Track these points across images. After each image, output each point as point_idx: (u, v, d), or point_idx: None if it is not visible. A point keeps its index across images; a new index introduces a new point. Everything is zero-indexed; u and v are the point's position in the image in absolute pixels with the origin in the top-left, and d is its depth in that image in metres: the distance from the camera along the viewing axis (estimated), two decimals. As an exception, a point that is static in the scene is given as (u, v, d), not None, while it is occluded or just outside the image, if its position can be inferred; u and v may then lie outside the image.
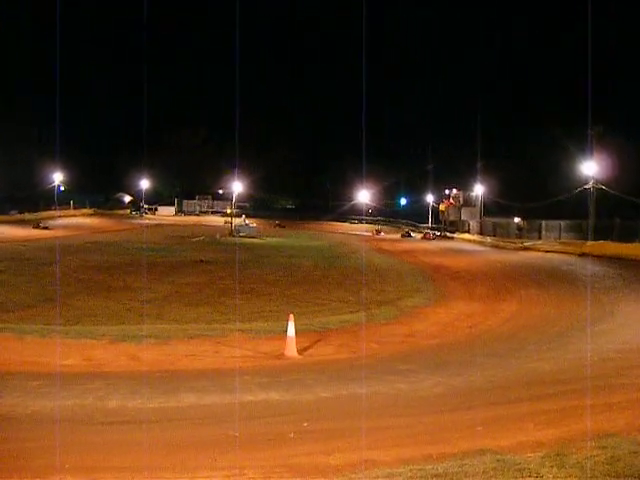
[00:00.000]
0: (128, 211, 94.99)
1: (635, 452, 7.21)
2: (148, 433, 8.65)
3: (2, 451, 7.53)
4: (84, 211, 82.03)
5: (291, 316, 14.96)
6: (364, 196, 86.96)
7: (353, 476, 6.66)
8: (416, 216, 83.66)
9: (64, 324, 17.42)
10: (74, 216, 74.71)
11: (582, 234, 47.20)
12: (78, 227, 63.09)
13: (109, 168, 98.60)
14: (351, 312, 20.67)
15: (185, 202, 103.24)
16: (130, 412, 9.88)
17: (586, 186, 47.46)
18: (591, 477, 6.48)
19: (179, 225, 72.82)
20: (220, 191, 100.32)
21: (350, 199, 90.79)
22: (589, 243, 42.32)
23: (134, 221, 78.28)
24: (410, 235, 71.53)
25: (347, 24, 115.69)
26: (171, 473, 7.00)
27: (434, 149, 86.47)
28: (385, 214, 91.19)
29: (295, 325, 14.98)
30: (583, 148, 48.24)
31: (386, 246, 53.13)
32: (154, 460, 7.45)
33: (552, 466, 6.84)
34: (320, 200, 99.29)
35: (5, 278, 26.61)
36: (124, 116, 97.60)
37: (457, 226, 71.93)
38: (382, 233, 73.53)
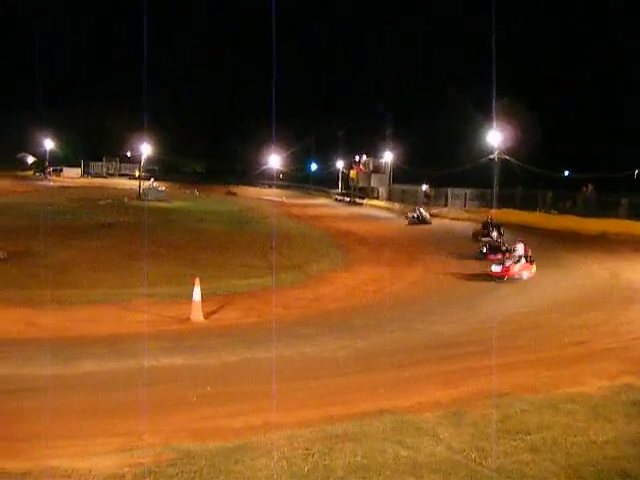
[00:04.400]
0: (32, 172, 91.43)
1: (525, 410, 7.53)
2: (42, 401, 8.42)
3: None
4: (-17, 171, 78.48)
5: (197, 280, 14.80)
6: (275, 161, 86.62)
7: (254, 439, 6.69)
8: (326, 182, 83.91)
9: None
10: (-28, 177, 71.42)
11: (487, 202, 48.44)
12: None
13: (11, 127, 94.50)
14: (258, 276, 20.61)
15: (91, 164, 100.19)
16: (23, 380, 9.58)
17: (491, 156, 48.65)
18: (484, 434, 6.72)
19: (85, 187, 70.68)
20: (128, 153, 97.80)
21: (261, 163, 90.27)
22: (493, 211, 43.52)
23: (38, 183, 75.50)
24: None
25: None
26: (67, 440, 6.84)
27: (345, 115, 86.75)
28: (295, 179, 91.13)
29: (202, 289, 14.85)
30: (490, 119, 49.29)
31: (296, 211, 53.17)
32: (48, 428, 7.26)
33: (448, 425, 7.07)
34: (230, 164, 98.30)
35: None
36: (26, 72, 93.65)
37: (367, 192, 72.54)
38: (284, 198, 71.05)
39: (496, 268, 21.29)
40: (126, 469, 5.93)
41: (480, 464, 6.02)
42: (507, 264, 21.15)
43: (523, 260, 21.33)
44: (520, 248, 21.58)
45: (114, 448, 6.54)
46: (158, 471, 5.87)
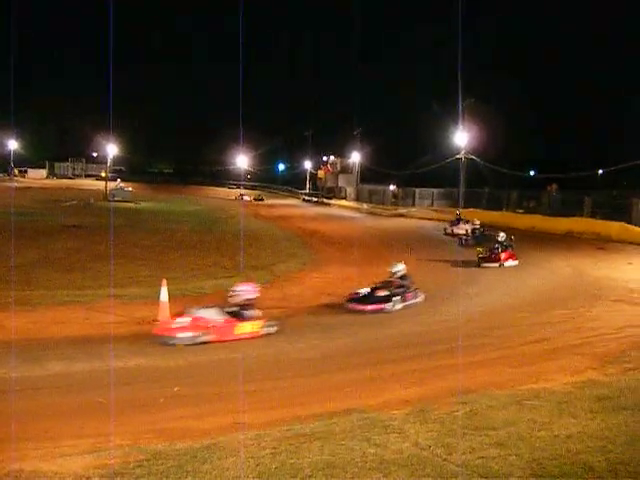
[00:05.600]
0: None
1: (491, 406, 7.63)
2: (10, 403, 8.34)
3: None
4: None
5: (164, 281, 14.72)
6: (243, 161, 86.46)
7: (222, 439, 6.69)
8: (294, 182, 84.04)
9: None
10: None
11: (453, 202, 48.92)
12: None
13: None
14: (226, 277, 20.53)
15: (57, 165, 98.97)
16: (-10, 382, 9.49)
17: (458, 156, 49.09)
18: (450, 430, 6.80)
19: (50, 188, 69.88)
20: (94, 154, 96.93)
21: (228, 164, 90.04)
22: (460, 210, 43.94)
23: (2, 184, 74.43)
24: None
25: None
26: (33, 443, 6.78)
27: (313, 115, 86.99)
28: (263, 180, 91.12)
29: (169, 290, 14.76)
30: (456, 119, 49.79)
31: (263, 212, 53.13)
32: (15, 430, 7.17)
33: (415, 422, 7.14)
34: (198, 165, 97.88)
35: None
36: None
37: (334, 192, 72.76)
38: (252, 199, 70.72)
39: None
40: (93, 471, 5.89)
41: (446, 460, 6.10)
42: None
43: None
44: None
45: (81, 450, 6.49)
46: (125, 472, 5.84)
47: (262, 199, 70.02)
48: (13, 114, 78.78)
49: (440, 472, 5.84)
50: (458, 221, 34.10)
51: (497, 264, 23.22)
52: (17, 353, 11.13)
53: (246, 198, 70.30)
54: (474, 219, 33.42)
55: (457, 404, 7.77)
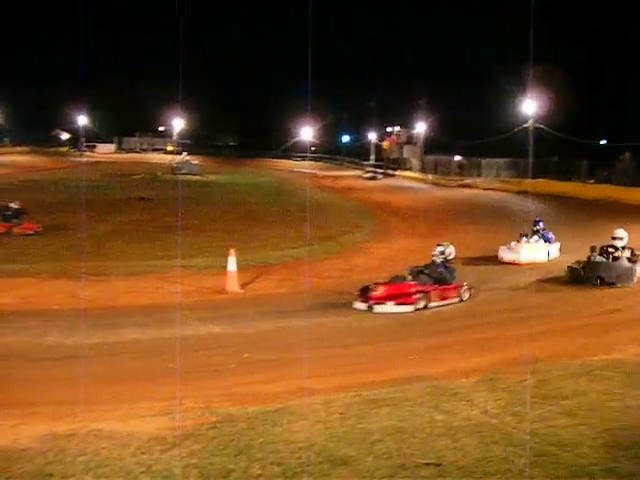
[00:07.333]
0: (66, 148, 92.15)
1: (561, 376, 7.53)
2: (87, 367, 8.61)
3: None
4: (20, 149, 79.18)
5: (232, 251, 14.96)
6: (307, 133, 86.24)
7: (290, 403, 6.79)
8: (359, 153, 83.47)
9: (-1, 262, 17.07)
10: (9, 154, 72.16)
11: (521, 172, 47.86)
12: (12, 165, 61.04)
13: (46, 104, 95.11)
14: (292, 247, 20.75)
15: (125, 139, 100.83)
16: (69, 348, 9.85)
17: (525, 125, 47.95)
18: (519, 399, 6.74)
19: (119, 163, 71.29)
20: (161, 128, 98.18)
21: (293, 136, 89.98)
22: (527, 181, 42.98)
23: (73, 159, 76.24)
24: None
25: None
26: (110, 404, 7.02)
27: (377, 85, 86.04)
28: (327, 152, 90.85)
29: (237, 260, 15.01)
30: (525, 87, 48.58)
31: (328, 183, 53.11)
32: (93, 393, 7.44)
33: (483, 390, 7.10)
34: (263, 137, 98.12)
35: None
36: (59, 49, 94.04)
37: (399, 164, 72.11)
38: (317, 171, 67.08)
39: None
40: (167, 432, 6.05)
41: (515, 428, 6.05)
42: None
43: None
44: None
45: (155, 412, 6.69)
46: (199, 434, 5.98)
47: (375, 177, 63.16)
48: (82, 90, 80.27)
49: (509, 440, 5.79)
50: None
51: (365, 305, 12.78)
52: (92, 321, 11.51)
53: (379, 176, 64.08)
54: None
55: (527, 373, 7.67)
